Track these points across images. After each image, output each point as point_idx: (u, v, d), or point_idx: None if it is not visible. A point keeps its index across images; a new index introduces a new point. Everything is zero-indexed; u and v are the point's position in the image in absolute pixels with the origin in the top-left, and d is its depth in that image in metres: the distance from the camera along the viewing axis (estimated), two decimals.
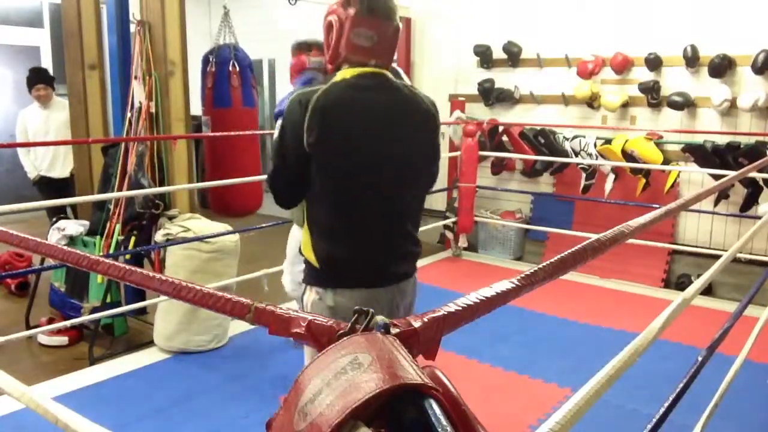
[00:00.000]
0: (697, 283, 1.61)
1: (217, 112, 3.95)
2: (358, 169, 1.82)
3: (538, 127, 5.51)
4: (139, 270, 1.08)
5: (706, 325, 2.53)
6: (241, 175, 3.83)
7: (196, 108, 4.18)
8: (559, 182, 5.69)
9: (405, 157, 1.88)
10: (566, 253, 1.08)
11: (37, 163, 5.24)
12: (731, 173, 2.91)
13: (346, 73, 1.84)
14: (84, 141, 4.30)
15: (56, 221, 4.06)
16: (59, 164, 5.20)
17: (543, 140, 5.47)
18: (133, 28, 3.96)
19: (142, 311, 4.04)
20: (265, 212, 4.41)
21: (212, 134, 4.05)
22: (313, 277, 1.91)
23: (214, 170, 4.04)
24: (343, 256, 1.87)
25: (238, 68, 3.92)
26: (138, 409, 3.00)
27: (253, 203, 4.19)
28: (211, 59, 3.93)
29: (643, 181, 5.01)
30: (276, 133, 1.91)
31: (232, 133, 3.82)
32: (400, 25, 1.89)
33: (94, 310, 3.68)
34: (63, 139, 4.89)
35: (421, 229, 6.81)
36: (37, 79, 5.14)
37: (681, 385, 1.67)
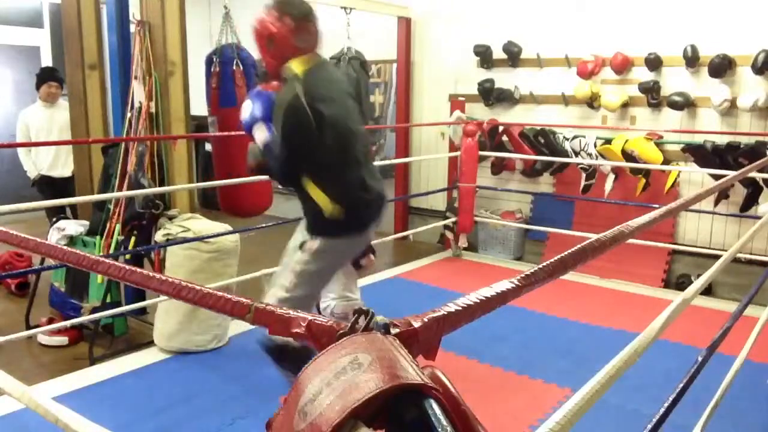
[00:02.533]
0: (697, 283, 1.62)
1: (223, 112, 3.95)
2: None
3: (538, 127, 5.51)
4: (139, 270, 1.08)
5: (706, 325, 2.53)
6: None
7: (196, 108, 4.18)
8: (559, 182, 5.69)
9: None
10: (566, 253, 1.08)
11: (38, 162, 5.24)
12: (731, 173, 2.91)
13: None
14: (84, 141, 4.29)
15: (56, 221, 4.06)
16: (60, 164, 5.20)
17: (543, 140, 5.47)
18: (133, 28, 3.96)
19: (142, 311, 4.03)
20: (267, 212, 4.40)
21: (212, 134, 4.05)
22: None
23: (223, 170, 4.03)
24: None
25: (241, 67, 3.93)
26: (138, 409, 3.00)
27: (263, 202, 4.20)
28: (214, 59, 3.93)
29: (643, 181, 5.00)
30: None
31: (233, 133, 3.81)
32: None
33: (94, 310, 3.68)
34: (65, 139, 4.89)
35: (421, 228, 6.73)
36: (51, 76, 5.16)
37: (681, 385, 1.67)
